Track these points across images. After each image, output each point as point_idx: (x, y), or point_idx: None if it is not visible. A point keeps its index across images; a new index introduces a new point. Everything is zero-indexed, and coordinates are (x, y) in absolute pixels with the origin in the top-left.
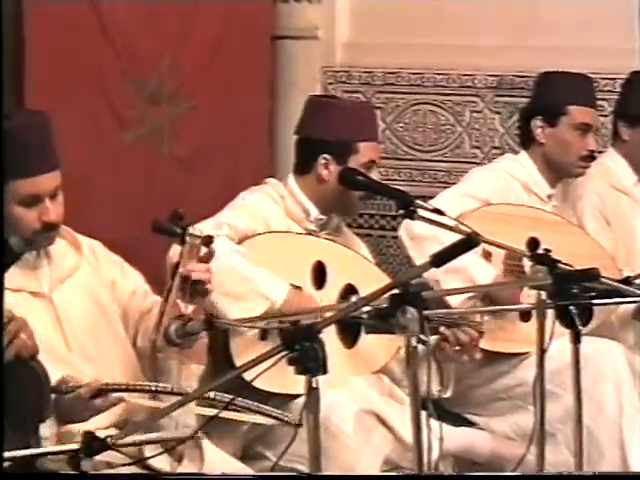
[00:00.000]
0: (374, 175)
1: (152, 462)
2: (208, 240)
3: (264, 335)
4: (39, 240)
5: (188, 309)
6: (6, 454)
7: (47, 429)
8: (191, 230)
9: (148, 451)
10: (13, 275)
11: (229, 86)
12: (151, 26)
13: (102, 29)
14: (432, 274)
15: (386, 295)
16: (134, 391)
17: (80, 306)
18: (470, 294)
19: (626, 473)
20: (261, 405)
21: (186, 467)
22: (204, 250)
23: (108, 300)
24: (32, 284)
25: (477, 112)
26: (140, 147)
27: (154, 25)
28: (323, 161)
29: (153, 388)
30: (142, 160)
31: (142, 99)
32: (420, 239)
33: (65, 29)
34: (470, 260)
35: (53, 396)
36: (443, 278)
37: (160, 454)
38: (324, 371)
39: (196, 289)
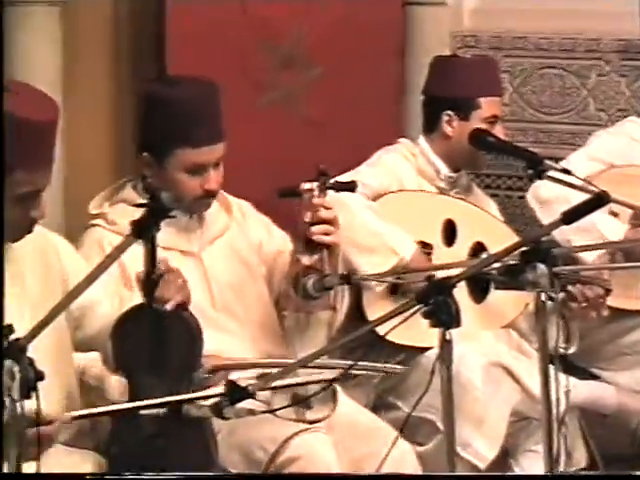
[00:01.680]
0: (498, 130)
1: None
2: (353, 185)
3: (394, 290)
4: (198, 206)
5: (310, 261)
6: (157, 400)
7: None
8: (308, 186)
9: (277, 401)
10: (165, 234)
11: (360, 50)
12: None
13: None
14: (563, 234)
15: (516, 252)
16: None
17: (227, 266)
18: (600, 251)
19: (627, 473)
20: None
21: (315, 413)
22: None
23: (254, 260)
24: (183, 244)
25: (602, 76)
26: (274, 111)
27: None
28: (446, 117)
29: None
30: (276, 123)
31: (276, 64)
32: (548, 202)
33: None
34: (600, 218)
35: None
36: (574, 237)
37: (290, 406)
38: (457, 324)
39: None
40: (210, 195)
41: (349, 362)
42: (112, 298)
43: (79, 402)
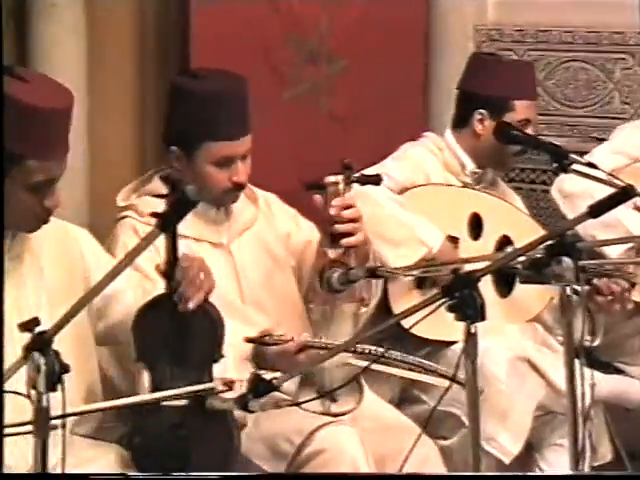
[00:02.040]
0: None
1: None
2: (378, 179)
3: (420, 284)
4: (226, 198)
5: (336, 254)
6: (180, 390)
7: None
8: (332, 179)
9: (303, 394)
10: (194, 225)
11: (384, 44)
12: None
13: None
14: (587, 229)
15: (541, 246)
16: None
17: (255, 257)
18: (626, 246)
19: (627, 473)
20: (417, 358)
21: (340, 407)
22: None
23: (282, 252)
24: (213, 236)
25: (627, 69)
26: (299, 104)
27: None
28: (479, 116)
29: (359, 349)
30: (300, 117)
31: (301, 57)
32: (572, 196)
33: None
34: (624, 213)
35: (253, 346)
36: (598, 233)
37: (315, 399)
38: (482, 318)
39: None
40: (238, 187)
41: (380, 349)
42: (135, 289)
43: (100, 396)
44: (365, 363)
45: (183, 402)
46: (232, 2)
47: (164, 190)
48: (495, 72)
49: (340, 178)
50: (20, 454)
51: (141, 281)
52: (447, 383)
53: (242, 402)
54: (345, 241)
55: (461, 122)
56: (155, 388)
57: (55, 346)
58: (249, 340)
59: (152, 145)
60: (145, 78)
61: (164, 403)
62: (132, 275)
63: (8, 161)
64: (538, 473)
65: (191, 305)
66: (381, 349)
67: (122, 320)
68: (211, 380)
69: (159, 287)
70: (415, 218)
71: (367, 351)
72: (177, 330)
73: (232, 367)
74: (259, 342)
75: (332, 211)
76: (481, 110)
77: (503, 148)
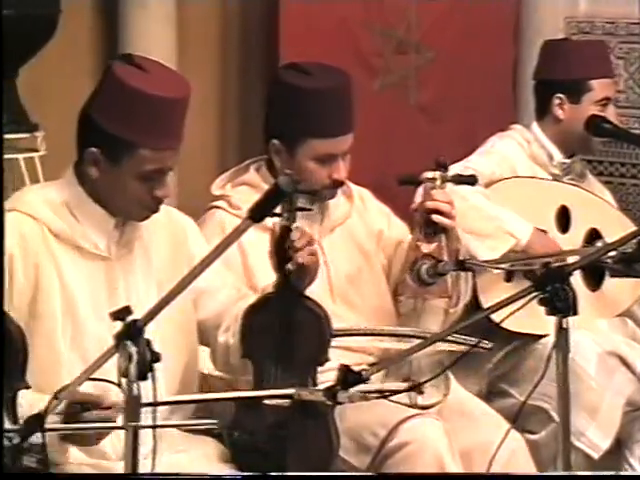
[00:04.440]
0: (610, 112)
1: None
2: (473, 179)
3: (509, 277)
4: (325, 194)
5: (429, 248)
6: (278, 391)
7: None
8: (430, 175)
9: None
10: None
11: (473, 35)
12: None
13: None
14: None
15: (633, 240)
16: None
17: (346, 254)
18: None
19: (627, 474)
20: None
21: (427, 399)
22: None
23: (373, 249)
24: None
25: None
26: (387, 95)
27: None
28: (557, 101)
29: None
30: (389, 107)
31: (390, 48)
32: None
33: None
34: None
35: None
36: None
37: (402, 391)
38: (574, 312)
39: (435, 227)
40: (338, 185)
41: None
42: (230, 289)
43: (195, 387)
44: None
45: (285, 402)
46: None
47: (260, 181)
48: (568, 55)
49: (437, 175)
50: (119, 443)
51: (235, 283)
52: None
53: (330, 394)
54: (439, 219)
55: (543, 111)
56: (258, 386)
57: (156, 332)
58: None
59: (233, 134)
60: (228, 72)
61: (265, 402)
62: (227, 275)
63: (121, 149)
64: (628, 472)
65: (300, 260)
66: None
67: (208, 319)
68: (315, 384)
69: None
70: (502, 210)
71: (461, 341)
72: (283, 329)
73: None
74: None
75: (428, 202)
76: (559, 95)
77: (586, 132)
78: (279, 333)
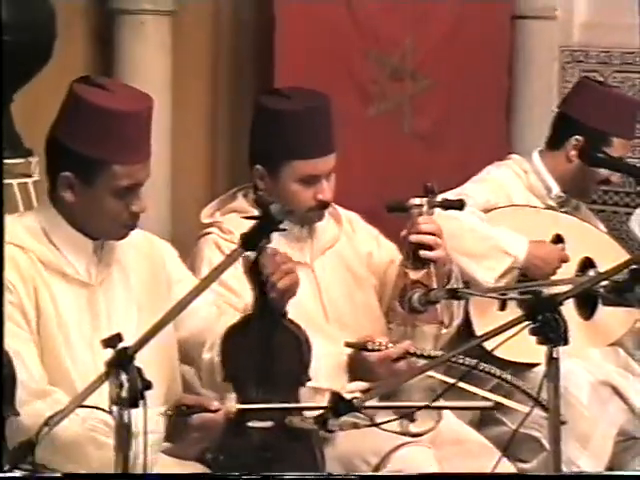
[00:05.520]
0: None
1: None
2: (461, 204)
3: (503, 307)
4: (311, 216)
5: (418, 275)
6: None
7: None
8: (417, 201)
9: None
10: (279, 244)
11: (468, 63)
12: (394, 8)
13: (350, 12)
14: None
15: (625, 269)
16: (437, 360)
17: (338, 276)
18: None
19: (627, 473)
20: (505, 374)
21: (419, 426)
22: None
23: (364, 271)
24: (296, 254)
25: None
26: (382, 121)
27: (397, 7)
28: (575, 142)
29: (461, 361)
30: (384, 134)
31: (385, 75)
32: None
33: (313, 12)
34: None
35: (350, 353)
36: None
37: (393, 420)
38: (565, 342)
39: (421, 256)
40: (323, 205)
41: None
42: (210, 305)
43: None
44: (446, 379)
45: (268, 424)
46: (315, 20)
47: (249, 208)
48: (602, 103)
49: (424, 201)
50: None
51: (216, 300)
52: (527, 409)
53: (322, 421)
54: (423, 253)
55: (556, 143)
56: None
57: (138, 355)
58: (349, 345)
59: (224, 161)
60: (218, 94)
61: (249, 424)
62: (206, 292)
63: (93, 169)
64: None
65: (280, 285)
66: (474, 360)
67: (189, 336)
68: (297, 401)
69: (236, 301)
70: (496, 229)
71: (462, 361)
72: (264, 351)
73: (324, 377)
74: (360, 347)
75: (414, 230)
76: (578, 137)
77: (589, 175)
78: (260, 354)
